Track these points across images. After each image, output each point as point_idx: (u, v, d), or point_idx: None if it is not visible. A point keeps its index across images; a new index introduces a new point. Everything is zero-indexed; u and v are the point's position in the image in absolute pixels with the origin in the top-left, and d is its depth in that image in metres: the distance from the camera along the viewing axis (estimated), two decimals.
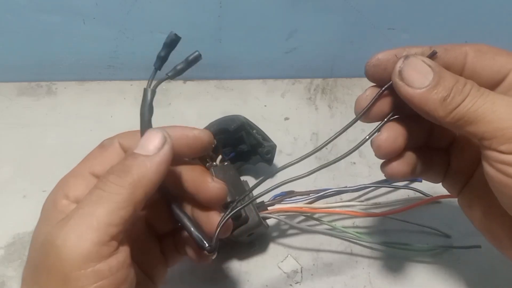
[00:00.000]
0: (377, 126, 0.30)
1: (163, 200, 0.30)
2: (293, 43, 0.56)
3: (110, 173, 0.26)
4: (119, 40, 0.55)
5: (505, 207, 0.27)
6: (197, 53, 0.28)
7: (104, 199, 0.25)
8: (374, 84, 0.31)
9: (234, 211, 0.31)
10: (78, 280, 0.23)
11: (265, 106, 0.56)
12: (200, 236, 0.30)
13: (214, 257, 0.31)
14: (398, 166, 0.31)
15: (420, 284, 0.42)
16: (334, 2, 0.51)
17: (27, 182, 0.49)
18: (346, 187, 0.45)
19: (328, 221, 0.44)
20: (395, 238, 0.43)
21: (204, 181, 0.30)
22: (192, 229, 0.30)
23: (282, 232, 0.45)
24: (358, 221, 0.46)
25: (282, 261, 0.43)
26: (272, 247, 0.44)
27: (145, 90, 0.29)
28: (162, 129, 0.28)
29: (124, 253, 0.26)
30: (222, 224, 0.30)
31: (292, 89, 0.58)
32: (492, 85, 0.29)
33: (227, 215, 0.30)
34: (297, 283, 0.42)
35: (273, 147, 0.47)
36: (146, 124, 0.29)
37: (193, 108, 0.56)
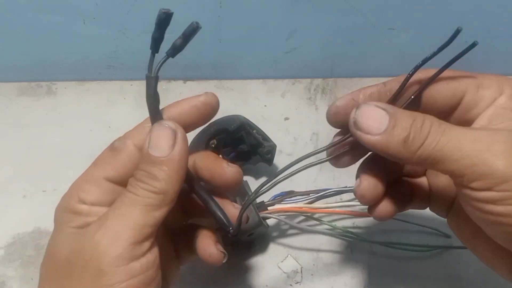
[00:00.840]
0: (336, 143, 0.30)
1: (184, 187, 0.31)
2: (293, 43, 0.56)
3: (139, 180, 0.27)
4: (119, 40, 0.55)
5: (490, 236, 0.27)
6: (194, 23, 0.26)
7: (139, 201, 0.26)
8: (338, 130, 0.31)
9: (258, 195, 0.30)
10: (112, 275, 0.25)
11: (265, 106, 0.56)
12: (223, 218, 0.30)
13: (225, 260, 0.31)
14: (385, 207, 0.31)
15: (420, 284, 0.42)
16: (334, 2, 0.51)
17: (27, 182, 0.49)
18: (346, 187, 0.45)
19: (328, 221, 0.44)
20: (395, 238, 0.43)
21: (219, 166, 0.30)
22: (217, 211, 0.30)
23: (282, 232, 0.45)
24: (358, 221, 0.46)
25: (282, 261, 0.43)
26: (272, 247, 0.44)
27: (147, 77, 0.28)
28: (170, 122, 0.28)
29: (154, 253, 0.27)
30: (245, 208, 0.30)
31: (292, 89, 0.58)
32: (451, 107, 0.29)
33: (251, 198, 0.30)
34: (297, 283, 0.42)
35: (273, 147, 0.47)
36: (154, 113, 0.28)
37: None
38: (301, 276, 0.42)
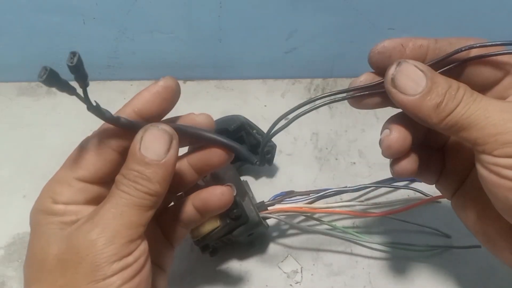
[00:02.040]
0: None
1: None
2: (293, 43, 0.56)
3: (133, 181, 0.27)
4: (119, 40, 0.55)
5: (498, 209, 0.27)
6: (69, 61, 0.26)
7: (135, 202, 0.27)
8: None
9: (274, 132, 0.31)
10: (108, 269, 0.26)
11: (265, 106, 0.56)
12: (249, 153, 0.32)
13: (235, 192, 0.35)
14: (407, 164, 0.30)
15: (420, 284, 0.42)
16: (334, 2, 0.51)
17: (27, 182, 0.49)
18: (346, 187, 0.45)
19: (328, 221, 0.44)
20: (395, 238, 0.43)
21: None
22: (238, 147, 0.32)
23: (282, 232, 0.45)
24: (358, 221, 0.46)
25: (282, 261, 0.43)
26: (272, 247, 0.44)
27: (96, 109, 0.29)
28: (166, 126, 0.28)
29: (144, 245, 0.28)
30: (266, 142, 0.32)
31: (292, 89, 0.58)
32: (491, 83, 0.29)
33: (270, 134, 0.31)
34: (297, 283, 0.42)
35: (273, 147, 0.47)
36: (125, 123, 0.29)
37: (193, 108, 0.55)
38: (301, 276, 0.42)
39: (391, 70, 0.27)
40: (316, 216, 0.44)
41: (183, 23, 0.53)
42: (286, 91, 0.58)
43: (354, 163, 0.50)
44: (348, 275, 0.42)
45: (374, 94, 0.30)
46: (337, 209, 0.44)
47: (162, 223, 0.34)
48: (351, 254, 0.44)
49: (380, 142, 0.30)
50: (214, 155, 0.32)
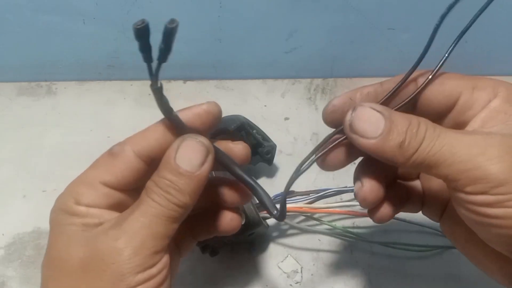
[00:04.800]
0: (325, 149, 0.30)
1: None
2: (293, 43, 0.56)
3: (164, 191, 0.27)
4: (119, 40, 0.55)
5: (483, 240, 0.27)
6: (167, 23, 0.25)
7: (164, 213, 0.27)
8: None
9: (335, 143, 0.30)
10: (132, 279, 0.26)
11: (265, 106, 0.56)
12: (270, 203, 0.30)
13: (243, 221, 0.33)
14: (386, 210, 0.31)
15: (420, 284, 0.42)
16: (334, 2, 0.51)
17: (27, 182, 0.49)
18: (346, 187, 0.45)
19: (328, 221, 0.44)
20: (395, 238, 0.43)
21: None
22: (264, 197, 0.30)
23: (282, 232, 0.45)
24: (358, 221, 0.46)
25: (282, 261, 0.43)
26: (272, 247, 0.44)
27: (154, 89, 0.28)
28: (204, 138, 0.28)
29: (167, 257, 0.28)
30: (288, 189, 0.30)
31: (292, 89, 0.58)
32: (446, 109, 0.28)
33: (293, 178, 0.30)
34: (297, 283, 0.42)
35: (273, 147, 0.47)
36: (176, 119, 0.28)
37: None
38: (301, 276, 0.42)
39: (348, 116, 0.27)
40: (316, 216, 0.44)
41: (183, 23, 0.53)
42: (286, 91, 0.58)
43: (354, 163, 0.50)
44: (348, 275, 0.42)
45: (342, 148, 0.30)
46: (337, 209, 0.44)
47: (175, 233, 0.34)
48: (351, 254, 0.44)
49: (355, 196, 0.30)
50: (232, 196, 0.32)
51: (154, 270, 0.27)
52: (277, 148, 0.47)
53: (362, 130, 0.26)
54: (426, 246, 0.43)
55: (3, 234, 0.45)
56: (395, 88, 0.29)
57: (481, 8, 0.28)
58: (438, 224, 0.44)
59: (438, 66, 0.28)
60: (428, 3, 0.51)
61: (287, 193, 0.31)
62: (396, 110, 0.28)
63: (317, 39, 0.55)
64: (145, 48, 0.26)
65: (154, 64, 0.27)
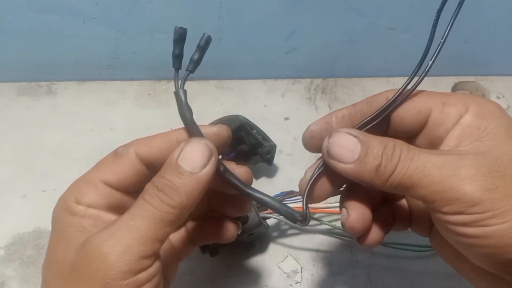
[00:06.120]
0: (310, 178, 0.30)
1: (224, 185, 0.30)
2: (293, 43, 0.56)
3: (159, 190, 0.26)
4: (119, 40, 0.55)
5: (467, 257, 0.27)
6: (206, 35, 0.27)
7: (156, 215, 0.26)
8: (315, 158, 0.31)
9: (318, 172, 0.30)
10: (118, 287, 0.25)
11: (265, 106, 0.56)
12: (289, 210, 0.30)
13: (239, 230, 0.34)
14: (375, 235, 0.31)
15: (420, 284, 0.42)
16: (334, 2, 0.51)
17: (27, 182, 0.49)
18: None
19: (328, 221, 0.44)
20: (395, 238, 0.43)
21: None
22: (280, 207, 0.29)
23: (282, 232, 0.45)
24: None
25: (282, 261, 0.43)
26: (272, 247, 0.44)
27: (176, 93, 0.28)
28: (209, 142, 0.28)
29: (159, 262, 0.27)
30: (307, 188, 0.30)
31: (292, 89, 0.58)
32: (418, 125, 0.29)
33: (312, 177, 0.30)
34: (297, 283, 0.42)
35: (273, 147, 0.47)
36: (190, 124, 0.28)
37: (193, 108, 0.56)
38: (301, 276, 0.42)
39: (325, 143, 0.28)
40: (316, 216, 0.44)
41: (183, 23, 0.53)
42: (286, 91, 0.58)
43: None
44: (348, 275, 0.42)
45: (325, 178, 0.30)
46: (337, 209, 0.44)
47: (173, 236, 0.34)
48: (351, 254, 0.44)
49: (342, 225, 0.30)
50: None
51: (143, 275, 0.25)
52: (277, 148, 0.47)
53: (339, 156, 0.27)
54: (426, 246, 0.42)
55: (3, 234, 0.45)
56: (378, 111, 0.29)
57: (453, 14, 0.28)
58: None
59: (406, 83, 0.29)
60: (428, 3, 0.50)
61: (303, 196, 0.30)
62: (369, 128, 0.28)
63: (317, 39, 0.55)
64: (179, 55, 0.27)
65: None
